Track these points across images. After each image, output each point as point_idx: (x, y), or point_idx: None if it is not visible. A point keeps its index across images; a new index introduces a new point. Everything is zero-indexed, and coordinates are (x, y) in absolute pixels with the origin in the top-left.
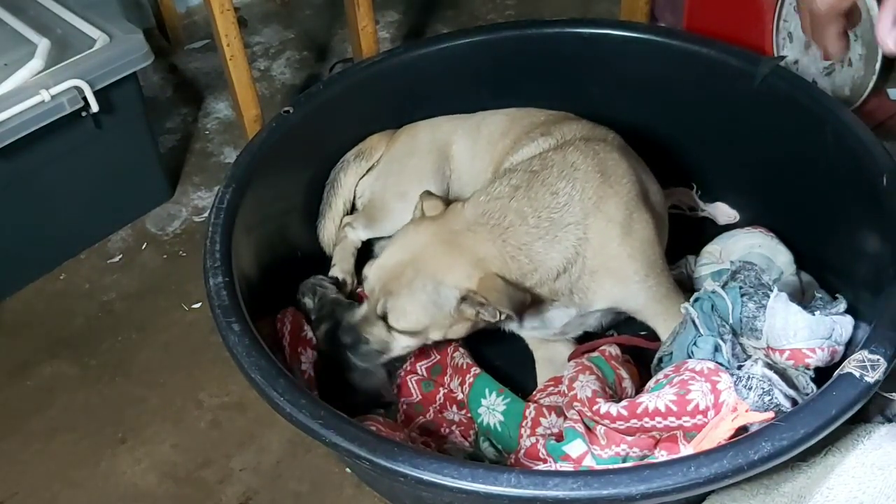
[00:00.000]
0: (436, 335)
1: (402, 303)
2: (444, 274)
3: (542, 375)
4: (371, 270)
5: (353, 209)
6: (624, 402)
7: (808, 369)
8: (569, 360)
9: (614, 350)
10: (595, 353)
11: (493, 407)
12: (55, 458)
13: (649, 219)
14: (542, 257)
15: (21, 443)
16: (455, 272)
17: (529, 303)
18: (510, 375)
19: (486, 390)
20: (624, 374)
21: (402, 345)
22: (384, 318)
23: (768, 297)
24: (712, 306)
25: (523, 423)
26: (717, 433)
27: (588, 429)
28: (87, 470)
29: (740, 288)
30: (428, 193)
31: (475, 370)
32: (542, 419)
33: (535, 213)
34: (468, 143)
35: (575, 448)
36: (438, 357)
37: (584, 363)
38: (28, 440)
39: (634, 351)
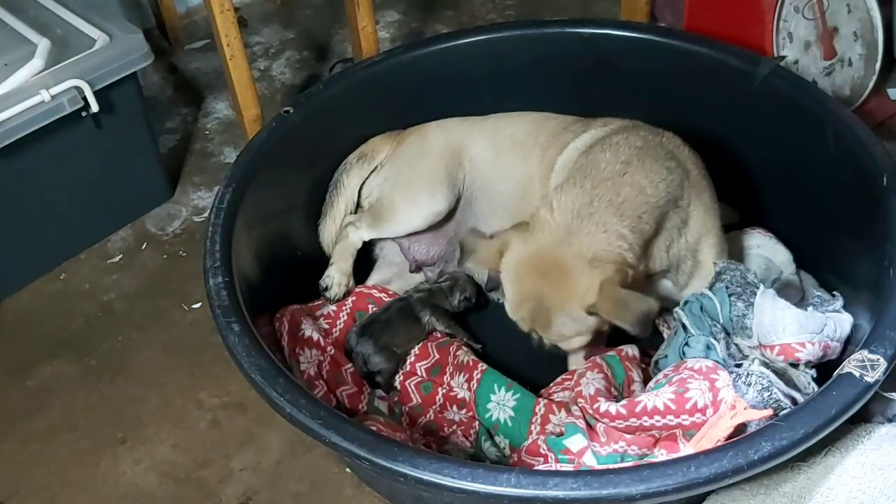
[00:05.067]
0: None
1: (556, 339)
2: (567, 302)
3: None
4: (517, 315)
5: (356, 211)
6: (623, 401)
7: (800, 364)
8: (585, 357)
9: (632, 351)
10: (611, 352)
11: (503, 402)
12: (55, 458)
13: None
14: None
15: (21, 443)
16: (574, 295)
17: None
18: (512, 370)
19: (496, 386)
20: (635, 377)
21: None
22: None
23: (756, 295)
24: (701, 307)
25: (533, 420)
26: (716, 431)
27: (589, 426)
28: (87, 470)
29: (727, 288)
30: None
31: (482, 366)
32: (551, 416)
33: (652, 183)
34: (488, 143)
35: (575, 442)
36: (438, 356)
37: (597, 361)
38: (28, 440)
39: None
